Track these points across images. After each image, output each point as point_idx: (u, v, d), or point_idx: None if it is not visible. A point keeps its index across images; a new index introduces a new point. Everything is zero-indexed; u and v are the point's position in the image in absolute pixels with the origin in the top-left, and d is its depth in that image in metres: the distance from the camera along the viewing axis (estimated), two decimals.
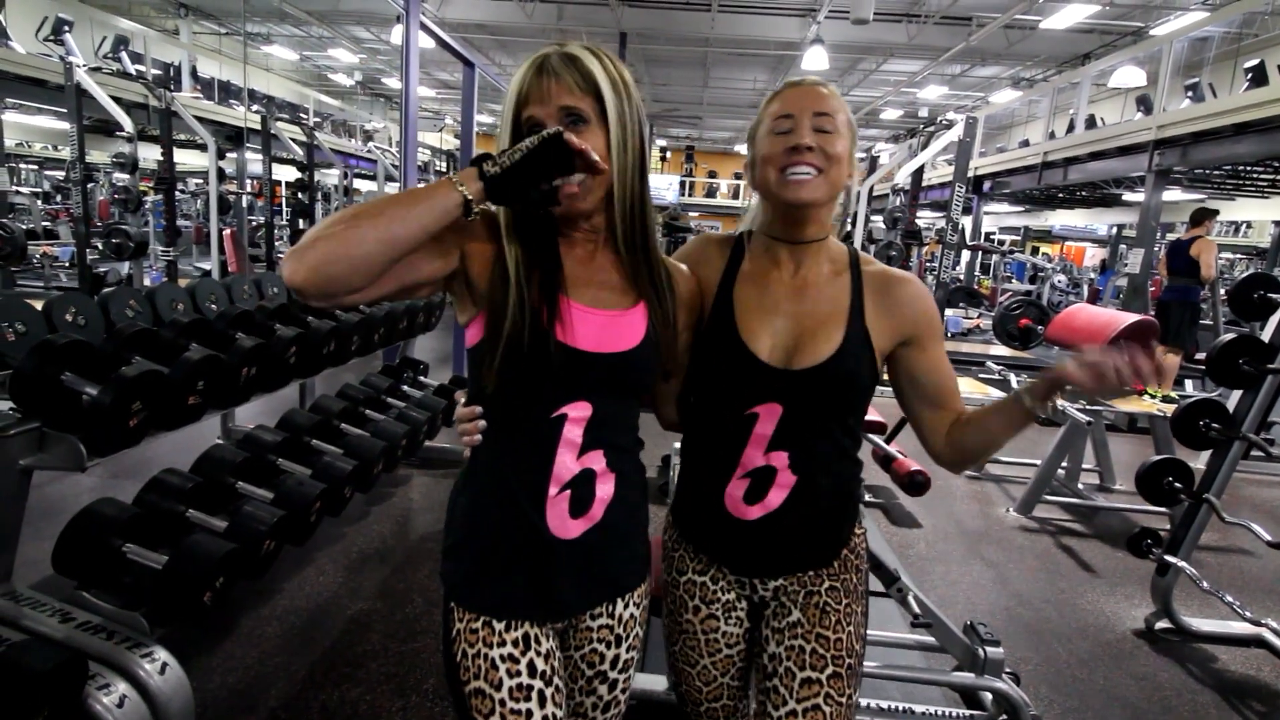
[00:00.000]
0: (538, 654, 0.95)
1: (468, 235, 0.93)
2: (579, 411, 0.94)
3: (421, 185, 0.86)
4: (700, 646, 1.16)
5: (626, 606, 1.04)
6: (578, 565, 0.97)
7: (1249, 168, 6.99)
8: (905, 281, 1.09)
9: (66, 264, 9.54)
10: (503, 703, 0.92)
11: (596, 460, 0.96)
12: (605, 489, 0.97)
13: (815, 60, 9.25)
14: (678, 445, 3.49)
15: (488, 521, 0.96)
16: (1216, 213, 6.65)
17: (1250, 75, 6.48)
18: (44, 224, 10.94)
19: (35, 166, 15.34)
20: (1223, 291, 6.46)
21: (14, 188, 12.47)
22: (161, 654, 1.62)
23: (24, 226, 8.61)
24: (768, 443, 1.05)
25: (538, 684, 0.94)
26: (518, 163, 0.83)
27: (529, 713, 0.92)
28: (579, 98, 0.89)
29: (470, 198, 0.83)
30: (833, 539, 1.11)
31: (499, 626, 0.95)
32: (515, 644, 0.94)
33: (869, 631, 2.41)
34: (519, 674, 0.93)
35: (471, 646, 0.94)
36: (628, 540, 1.03)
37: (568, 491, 0.94)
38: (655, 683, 2.02)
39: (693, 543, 1.15)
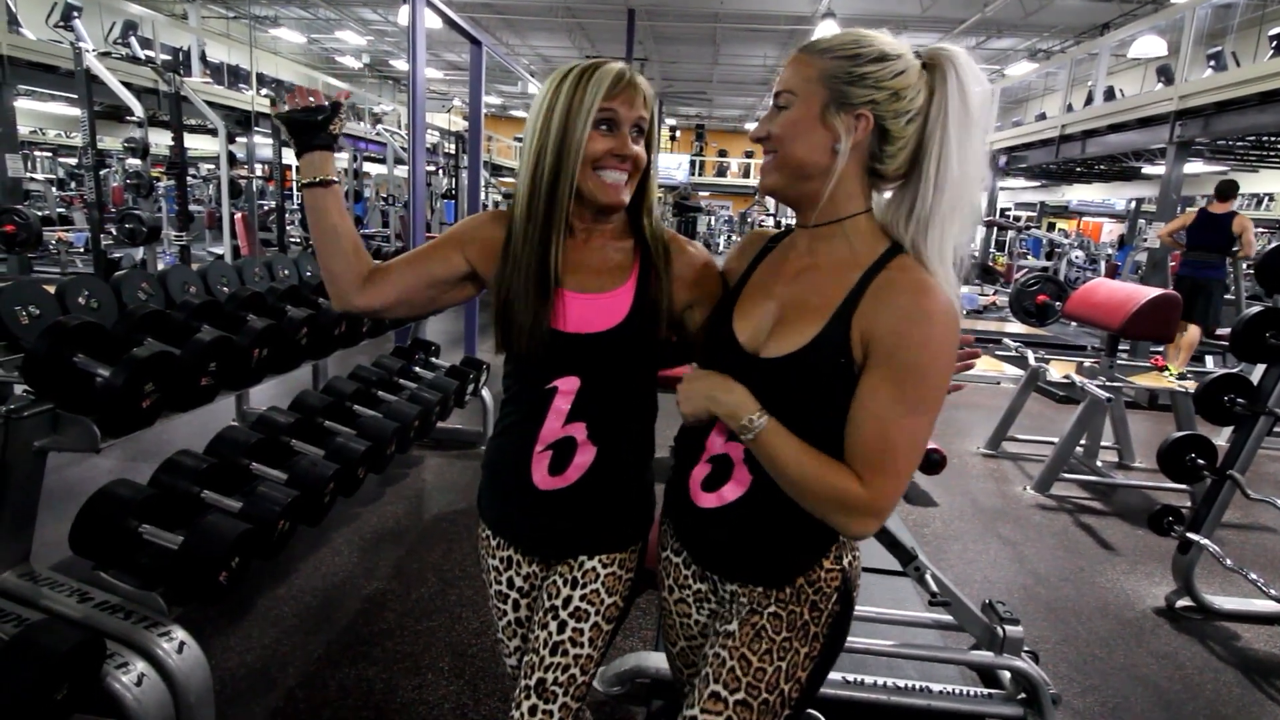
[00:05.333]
0: (516, 574, 1.18)
1: (471, 247, 1.13)
2: (568, 385, 1.07)
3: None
4: (676, 629, 1.15)
5: (591, 559, 1.12)
6: (550, 514, 1.10)
7: (1273, 138, 6.84)
8: (910, 290, 0.87)
9: (81, 250, 9.60)
10: (493, 594, 1.22)
11: (579, 430, 1.07)
12: (584, 458, 1.08)
13: (827, 34, 9.09)
14: None
15: (500, 457, 1.15)
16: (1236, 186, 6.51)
17: (1275, 43, 6.32)
18: (59, 210, 11.01)
19: (49, 154, 15.44)
20: (1246, 266, 6.34)
21: (29, 174, 12.56)
22: (179, 633, 1.63)
23: (39, 213, 8.67)
24: (728, 429, 0.97)
25: (513, 594, 1.19)
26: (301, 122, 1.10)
27: (504, 612, 1.20)
28: (646, 113, 1.05)
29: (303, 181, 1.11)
30: (781, 561, 0.99)
31: (494, 543, 1.19)
32: (502, 561, 1.18)
33: (884, 609, 2.39)
34: (500, 583, 1.19)
35: (484, 547, 1.21)
36: (602, 509, 1.11)
37: (549, 452, 1.08)
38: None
39: (670, 521, 1.13)
